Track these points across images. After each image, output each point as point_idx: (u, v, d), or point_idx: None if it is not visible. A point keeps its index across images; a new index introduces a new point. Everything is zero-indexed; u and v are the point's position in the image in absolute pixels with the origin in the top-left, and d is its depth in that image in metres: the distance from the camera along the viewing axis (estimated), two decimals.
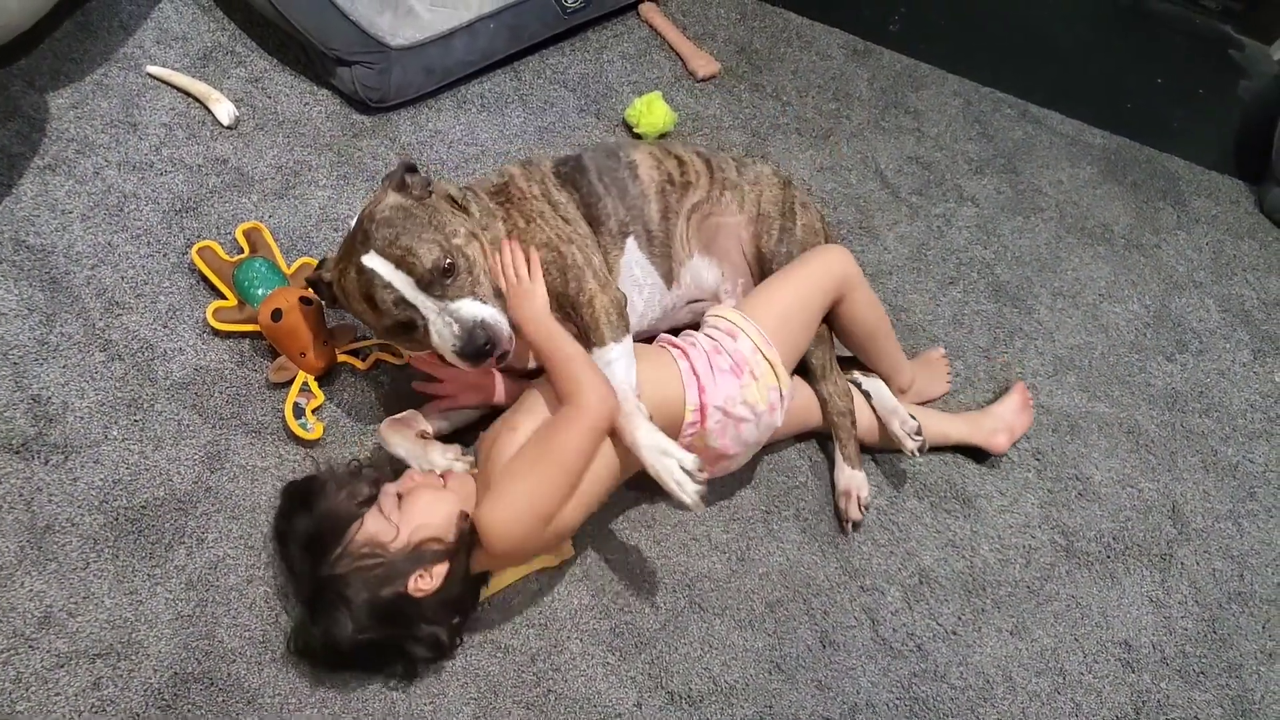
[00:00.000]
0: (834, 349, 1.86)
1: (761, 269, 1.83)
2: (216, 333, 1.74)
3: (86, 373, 1.67)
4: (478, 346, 1.43)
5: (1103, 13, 2.82)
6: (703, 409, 1.60)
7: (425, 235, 1.45)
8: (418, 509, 1.48)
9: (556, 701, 1.58)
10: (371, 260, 1.43)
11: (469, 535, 1.45)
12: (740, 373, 1.64)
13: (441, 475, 1.55)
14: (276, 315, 1.68)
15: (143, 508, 1.59)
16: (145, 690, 1.47)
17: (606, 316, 1.56)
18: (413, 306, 1.45)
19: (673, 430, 1.59)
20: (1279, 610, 1.90)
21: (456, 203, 1.58)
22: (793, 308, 1.73)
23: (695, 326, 1.76)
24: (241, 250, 1.79)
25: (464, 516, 1.46)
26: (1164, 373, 2.17)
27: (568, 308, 1.59)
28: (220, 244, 1.79)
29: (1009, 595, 1.83)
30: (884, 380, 1.89)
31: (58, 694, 1.44)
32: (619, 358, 1.54)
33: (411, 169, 1.54)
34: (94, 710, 1.44)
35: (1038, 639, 1.79)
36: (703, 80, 2.30)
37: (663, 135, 2.16)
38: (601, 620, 1.66)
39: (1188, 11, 2.87)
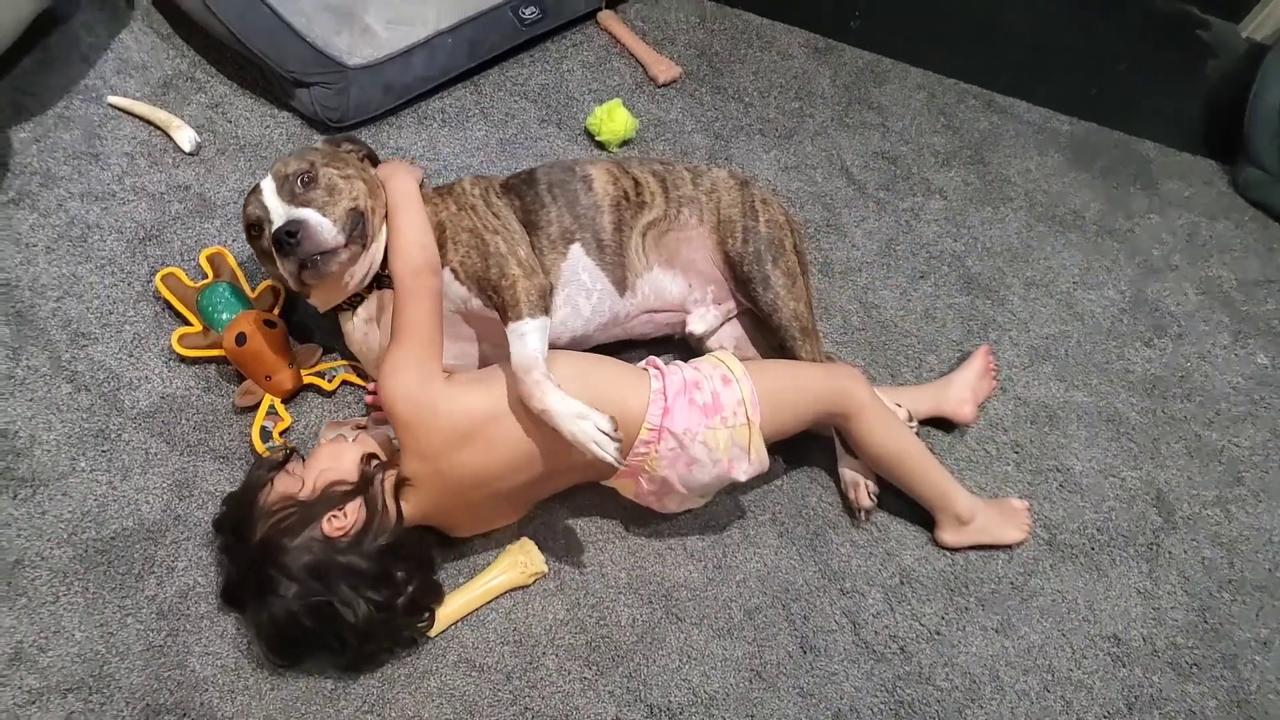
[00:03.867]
0: (821, 344, 1.84)
1: (734, 273, 1.81)
2: (182, 359, 1.73)
3: (53, 405, 1.66)
4: (285, 234, 1.51)
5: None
6: (660, 431, 1.58)
7: (308, 158, 1.61)
8: (321, 460, 1.53)
9: (534, 719, 1.57)
10: (264, 180, 1.60)
11: (375, 471, 1.51)
12: (712, 414, 1.60)
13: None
14: (241, 339, 1.67)
15: (112, 539, 1.58)
16: None
17: (526, 296, 1.56)
18: (265, 207, 1.57)
19: (626, 443, 1.56)
20: (1272, 597, 1.87)
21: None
22: (787, 395, 1.69)
23: (659, 340, 1.74)
24: (205, 275, 1.78)
25: (369, 458, 1.52)
26: (1143, 358, 2.14)
27: (489, 291, 1.60)
28: (184, 270, 1.78)
29: (992, 592, 1.80)
30: (934, 511, 1.81)
31: None
32: (533, 332, 1.53)
33: (352, 140, 1.72)
34: None
35: (1024, 636, 1.76)
36: (664, 85, 2.29)
37: (625, 142, 2.15)
38: (577, 635, 1.65)
39: None
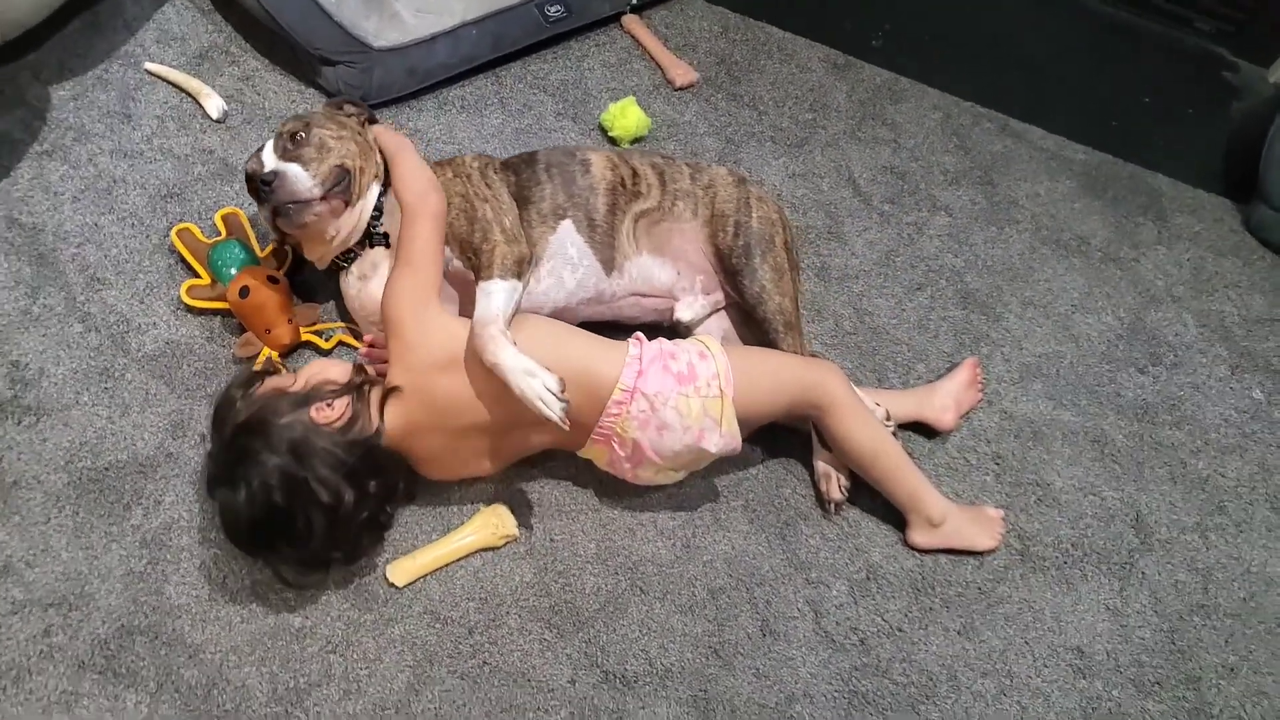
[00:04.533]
0: (804, 339, 1.91)
1: (723, 265, 1.89)
2: (189, 309, 1.85)
3: (64, 342, 1.78)
4: (262, 182, 1.68)
5: (1090, 32, 2.84)
6: (633, 392, 1.65)
7: (306, 118, 1.77)
8: (313, 367, 1.66)
9: (491, 674, 1.63)
10: (268, 140, 1.78)
11: (364, 379, 1.64)
12: (685, 382, 1.67)
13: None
14: (244, 292, 1.77)
15: (105, 469, 1.68)
16: (92, 640, 1.55)
17: (501, 259, 1.66)
18: (261, 161, 1.73)
19: (596, 407, 1.65)
20: (1244, 625, 1.88)
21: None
22: (763, 377, 1.76)
23: (645, 325, 1.81)
24: (219, 233, 1.90)
25: (359, 369, 1.67)
26: (1135, 384, 2.17)
27: (470, 253, 1.72)
28: (200, 227, 1.89)
29: (958, 596, 1.83)
30: (906, 512, 1.85)
31: (9, 639, 1.53)
32: (499, 292, 1.63)
33: (354, 103, 1.88)
34: (42, 656, 1.52)
35: (986, 640, 1.79)
36: (680, 89, 2.38)
37: (636, 139, 2.24)
38: (541, 598, 1.71)
39: (1179, 33, 2.88)
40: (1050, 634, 1.81)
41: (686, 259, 1.90)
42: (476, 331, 1.59)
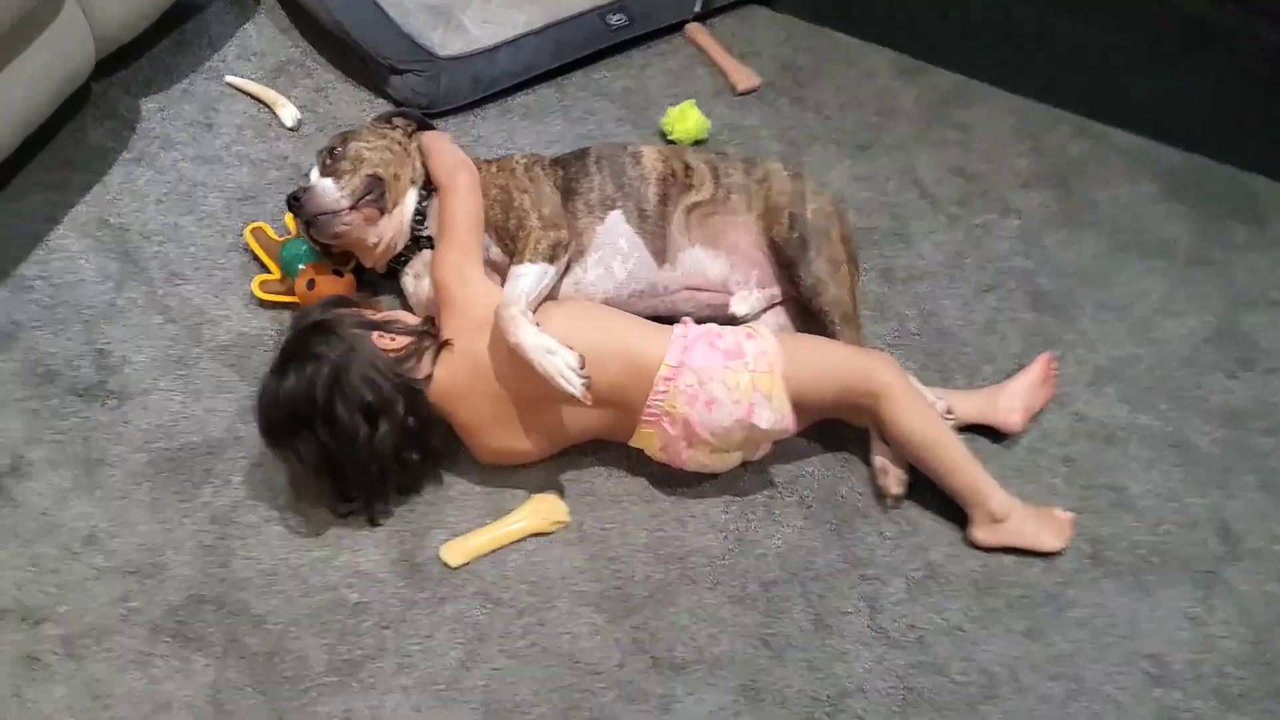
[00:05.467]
0: (862, 334, 2.02)
1: (778, 258, 2.02)
2: (260, 303, 2.06)
3: (145, 332, 2.01)
4: (292, 197, 1.92)
5: (1175, 30, 2.88)
6: (679, 368, 1.78)
7: (345, 134, 2.01)
8: (396, 311, 1.94)
9: (541, 654, 1.76)
10: None
11: (431, 328, 1.86)
12: (733, 358, 1.80)
13: None
14: (311, 284, 2.00)
15: (180, 449, 1.89)
16: (165, 606, 1.74)
17: (534, 244, 1.85)
18: (306, 178, 1.98)
19: (642, 387, 1.79)
20: None
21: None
22: (814, 360, 1.89)
23: (698, 319, 1.95)
24: (289, 232, 2.12)
25: (430, 319, 1.89)
26: (1223, 389, 2.20)
27: (506, 239, 1.92)
28: (272, 226, 2.13)
29: (1024, 598, 1.89)
30: (967, 507, 1.91)
31: (92, 601, 1.73)
32: (528, 274, 1.82)
33: (401, 114, 2.11)
34: (121, 619, 1.72)
35: (1053, 643, 1.84)
36: (743, 94, 2.54)
37: (696, 142, 2.40)
38: (592, 583, 1.84)
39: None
40: (1124, 640, 1.85)
41: (741, 252, 2.04)
42: (499, 314, 1.76)
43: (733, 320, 2.03)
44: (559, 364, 1.70)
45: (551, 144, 2.39)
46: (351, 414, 1.73)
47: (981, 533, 1.92)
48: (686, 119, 2.38)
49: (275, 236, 2.11)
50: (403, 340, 1.82)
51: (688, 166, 2.05)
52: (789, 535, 1.93)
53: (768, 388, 1.80)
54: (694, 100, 2.43)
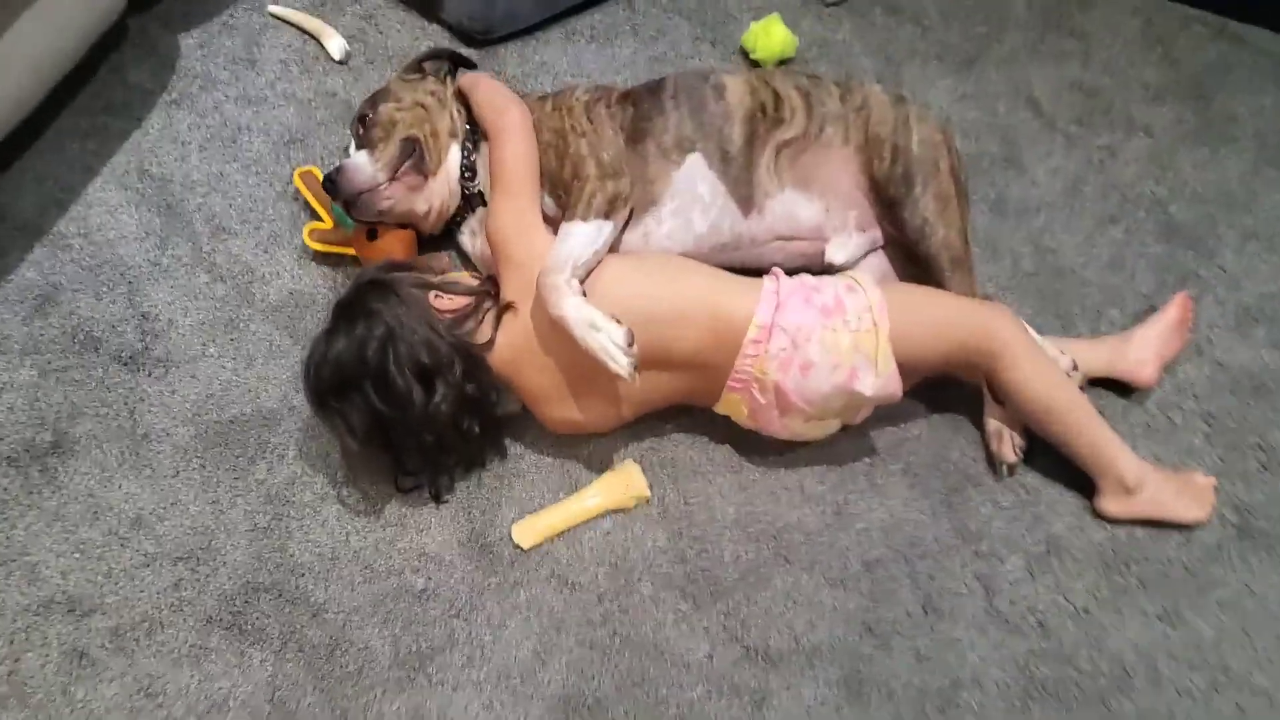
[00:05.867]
0: (975, 279, 1.79)
1: (879, 196, 1.77)
2: (314, 255, 1.89)
3: (191, 293, 1.85)
4: (328, 179, 1.73)
5: None
6: (771, 328, 1.58)
7: (375, 97, 1.82)
8: (458, 274, 1.76)
9: (622, 645, 1.61)
10: None
11: (492, 287, 1.69)
12: (831, 315, 1.59)
13: None
14: (372, 234, 1.83)
15: (231, 422, 1.75)
16: (219, 595, 1.61)
17: (590, 198, 1.65)
18: (347, 153, 1.80)
19: (730, 349, 1.59)
20: None
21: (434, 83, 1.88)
22: (922, 315, 1.66)
23: (790, 270, 1.73)
24: None
25: (491, 279, 1.72)
26: None
27: (560, 191, 1.71)
28: (322, 170, 1.93)
29: (1159, 575, 1.69)
30: (1095, 476, 1.71)
31: (142, 590, 1.61)
32: (579, 234, 1.63)
33: (434, 56, 1.91)
34: (172, 609, 1.60)
35: (1194, 628, 1.64)
36: (832, 4, 2.25)
37: (782, 61, 2.14)
38: (676, 565, 1.67)
39: None
40: (1276, 623, 1.64)
41: (837, 192, 1.79)
42: (540, 281, 1.58)
43: (829, 269, 1.81)
44: (604, 340, 1.52)
45: (621, 69, 2.14)
46: (404, 376, 1.58)
47: (1111, 503, 1.71)
48: (771, 36, 2.11)
49: None
50: (461, 300, 1.66)
51: (777, 96, 1.79)
52: (893, 507, 1.74)
53: (871, 349, 1.58)
54: (778, 14, 2.15)
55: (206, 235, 1.91)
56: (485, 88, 1.82)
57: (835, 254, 1.81)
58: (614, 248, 1.71)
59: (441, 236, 1.88)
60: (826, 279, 1.67)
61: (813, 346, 1.58)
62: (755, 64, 2.14)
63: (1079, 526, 1.73)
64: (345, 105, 2.05)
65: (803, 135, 1.78)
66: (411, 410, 1.58)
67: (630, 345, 1.51)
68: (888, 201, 1.77)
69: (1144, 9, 2.31)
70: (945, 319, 1.68)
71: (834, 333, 1.59)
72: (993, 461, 1.77)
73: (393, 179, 1.73)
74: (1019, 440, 1.75)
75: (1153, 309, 1.89)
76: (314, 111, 2.04)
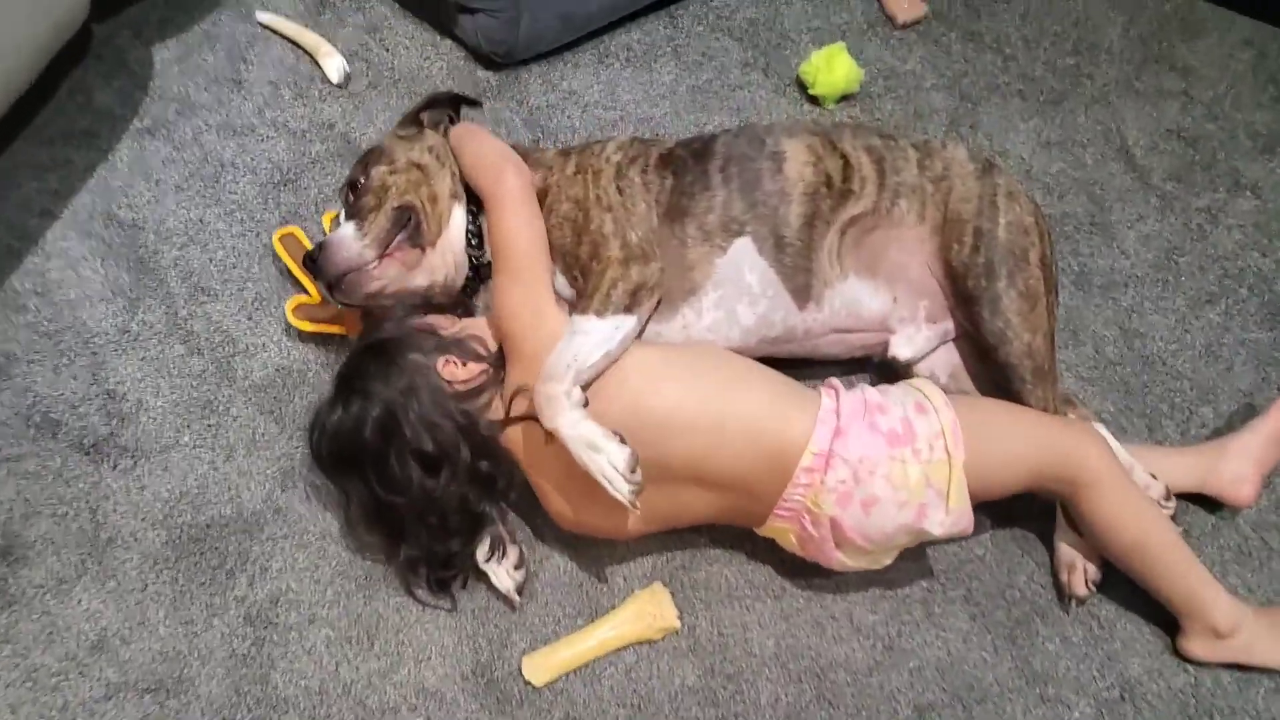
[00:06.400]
0: (1058, 389, 1.55)
1: (955, 287, 1.52)
2: (299, 334, 1.65)
3: (164, 368, 1.63)
4: (309, 256, 1.50)
5: None
6: (829, 457, 1.35)
7: (366, 158, 1.57)
8: (479, 322, 1.54)
9: None
10: None
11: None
12: (900, 443, 1.37)
13: None
14: (368, 312, 1.57)
15: (207, 526, 1.54)
16: None
17: (610, 288, 1.42)
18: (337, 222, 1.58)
19: (780, 477, 1.37)
20: None
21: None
22: (999, 440, 1.43)
23: (851, 362, 1.49)
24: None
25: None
26: None
27: (575, 272, 1.50)
28: (307, 231, 1.68)
29: None
30: (1181, 617, 1.49)
31: None
32: (590, 333, 1.40)
33: (433, 104, 1.64)
34: None
35: None
36: (903, 27, 1.96)
37: (844, 97, 1.86)
38: (708, 708, 1.48)
39: None
40: None
41: (907, 279, 1.54)
42: (536, 389, 1.36)
43: (893, 363, 1.57)
44: (602, 464, 1.32)
45: (661, 98, 1.87)
46: (404, 462, 1.40)
47: (1199, 647, 1.50)
48: (833, 69, 1.83)
49: (310, 245, 1.65)
50: (475, 369, 1.45)
51: (845, 164, 1.53)
52: (951, 643, 1.53)
53: (944, 482, 1.36)
54: (843, 44, 1.86)
55: (183, 297, 1.66)
56: (474, 145, 1.56)
57: (901, 349, 1.57)
58: (644, 335, 1.48)
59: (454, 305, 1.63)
60: (891, 393, 1.44)
61: (877, 481, 1.36)
62: (813, 100, 1.87)
63: (1157, 669, 1.52)
64: (343, 139, 1.78)
65: (873, 210, 1.52)
66: (410, 494, 1.40)
67: (633, 471, 1.31)
68: (965, 296, 1.51)
69: (1258, 39, 2.01)
70: (1026, 444, 1.44)
71: (902, 464, 1.36)
72: (1061, 592, 1.56)
73: (384, 255, 1.48)
74: (1093, 573, 1.53)
75: (1251, 408, 1.65)
76: (308, 146, 1.77)
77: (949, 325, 1.58)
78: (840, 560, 1.45)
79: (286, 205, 1.73)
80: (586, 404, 1.35)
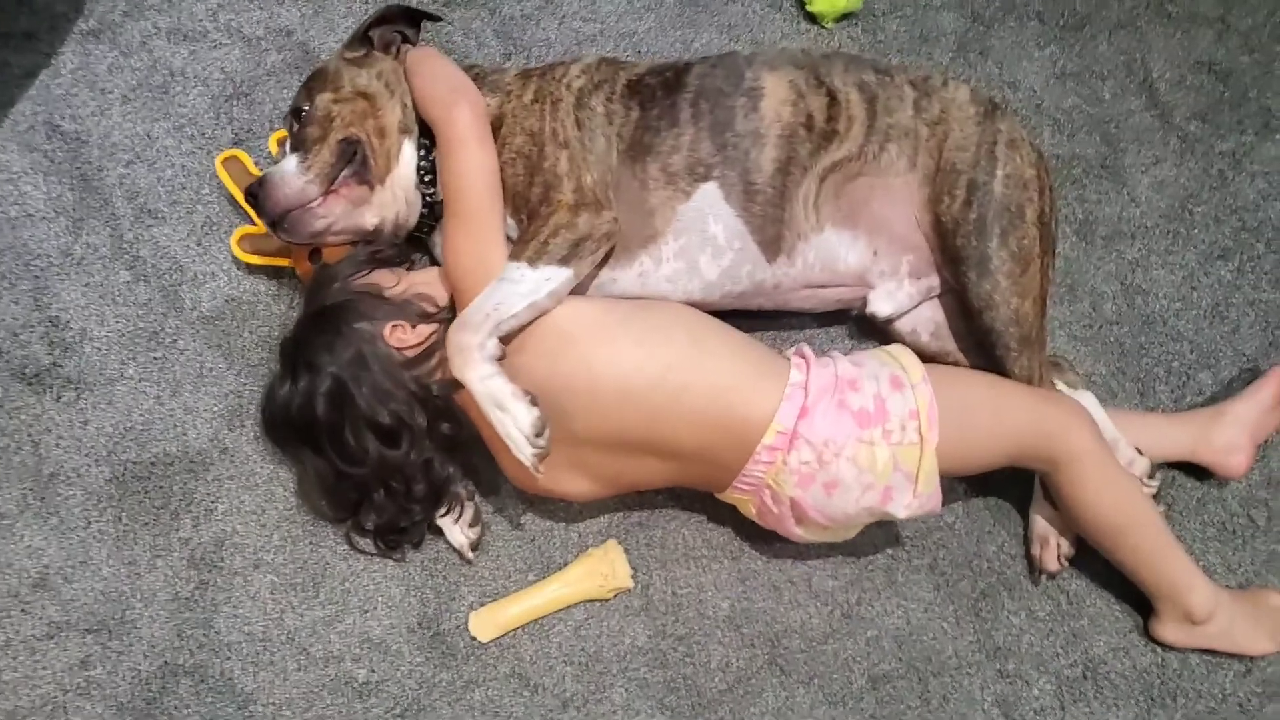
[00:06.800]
0: (1045, 355, 1.45)
1: (942, 243, 1.41)
2: (245, 267, 1.55)
3: (109, 294, 1.54)
4: (250, 191, 1.39)
5: None
6: (793, 437, 1.27)
7: (310, 84, 1.45)
8: (428, 275, 1.45)
9: None
10: None
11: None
12: (870, 423, 1.28)
13: None
14: (314, 256, 1.46)
15: (152, 464, 1.48)
16: (133, 677, 1.41)
17: (550, 234, 1.33)
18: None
19: (741, 451, 1.30)
20: None
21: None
22: (979, 419, 1.34)
23: (825, 316, 1.38)
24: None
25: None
26: None
27: (523, 214, 1.39)
28: (253, 154, 1.56)
29: (1209, 713, 1.44)
30: (1156, 600, 1.43)
31: (45, 667, 1.41)
32: (521, 282, 1.30)
33: (383, 20, 1.48)
34: (79, 691, 1.40)
35: None
36: None
37: (845, 16, 1.69)
38: (656, 669, 1.44)
39: None
40: None
41: (890, 232, 1.42)
42: (450, 335, 1.29)
43: (871, 319, 1.47)
44: (507, 424, 1.25)
45: (646, 10, 1.70)
46: (360, 436, 1.33)
47: (1170, 631, 1.45)
48: None
49: (256, 171, 1.53)
50: (423, 331, 1.37)
51: (832, 100, 1.39)
52: (912, 612, 1.48)
53: (913, 465, 1.29)
54: None
55: (129, 218, 1.56)
56: (427, 74, 1.43)
57: (880, 305, 1.47)
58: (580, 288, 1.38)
59: (409, 242, 1.53)
60: (866, 363, 1.34)
61: (842, 463, 1.28)
62: (811, 18, 1.69)
63: (1123, 648, 1.47)
64: (301, 49, 1.64)
65: (858, 155, 1.39)
66: (369, 462, 1.34)
67: (539, 435, 1.24)
68: (952, 254, 1.39)
69: None
70: (1005, 421, 1.36)
71: (870, 446, 1.28)
72: (1032, 565, 1.49)
73: (329, 192, 1.37)
74: (1066, 548, 1.46)
75: (1253, 374, 1.55)
76: (263, 55, 1.63)
77: (934, 281, 1.47)
78: (800, 535, 1.39)
79: (239, 121, 1.60)
80: (503, 357, 1.27)
